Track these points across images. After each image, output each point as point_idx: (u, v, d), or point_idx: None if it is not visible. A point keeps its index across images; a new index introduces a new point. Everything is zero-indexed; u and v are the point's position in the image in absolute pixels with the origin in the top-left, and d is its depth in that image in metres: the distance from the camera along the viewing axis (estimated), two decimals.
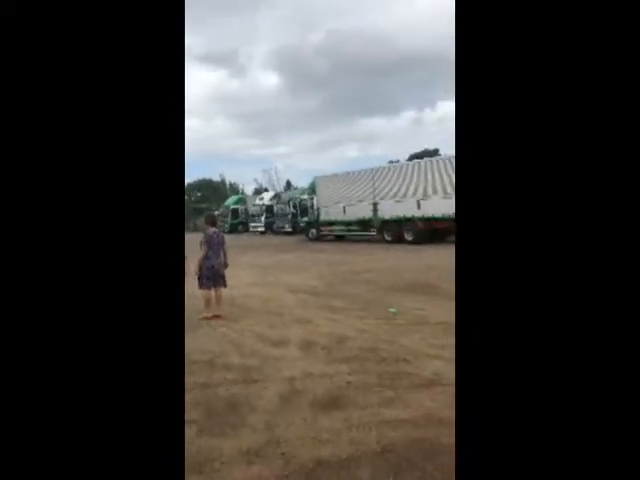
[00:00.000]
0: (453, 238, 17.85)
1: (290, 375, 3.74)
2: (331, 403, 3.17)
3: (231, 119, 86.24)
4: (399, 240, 17.79)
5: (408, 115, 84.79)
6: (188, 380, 3.47)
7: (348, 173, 20.82)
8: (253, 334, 5.15)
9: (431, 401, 3.13)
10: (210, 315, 5.93)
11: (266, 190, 44.76)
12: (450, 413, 2.94)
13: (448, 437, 2.60)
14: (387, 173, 18.93)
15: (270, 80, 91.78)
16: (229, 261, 6.24)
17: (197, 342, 4.75)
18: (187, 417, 2.73)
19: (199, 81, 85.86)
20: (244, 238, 26.34)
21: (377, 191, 19.06)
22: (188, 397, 3.20)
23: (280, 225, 28.72)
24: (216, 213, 28.38)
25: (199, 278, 5.92)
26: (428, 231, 17.34)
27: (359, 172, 20.18)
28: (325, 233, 21.78)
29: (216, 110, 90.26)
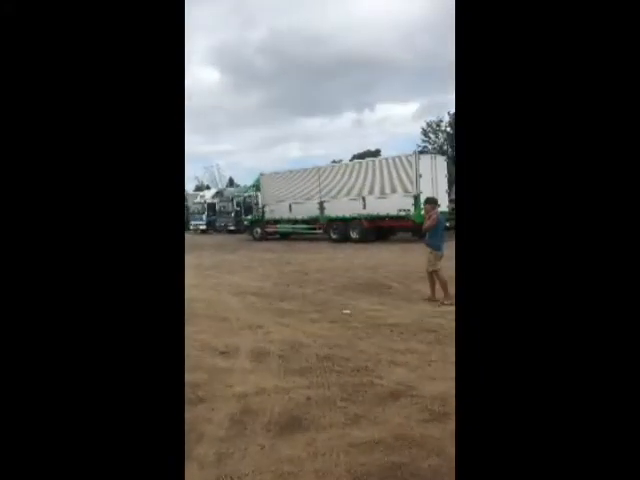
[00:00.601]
0: (398, 236, 18.17)
1: (242, 391, 3.35)
2: (290, 424, 2.82)
3: None
4: (345, 239, 17.71)
5: (348, 116, 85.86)
6: None
7: (294, 171, 20.48)
8: (197, 343, 4.67)
9: (399, 416, 2.87)
10: None
11: (208, 187, 43.40)
12: (421, 430, 2.69)
13: (424, 461, 2.35)
14: (333, 172, 18.81)
15: (212, 76, 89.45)
16: None
17: None
18: None
19: None
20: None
21: (323, 190, 18.87)
22: None
23: (223, 223, 27.85)
24: None
25: None
26: (373, 230, 17.46)
27: (305, 170, 19.92)
28: (270, 231, 21.28)
29: None
